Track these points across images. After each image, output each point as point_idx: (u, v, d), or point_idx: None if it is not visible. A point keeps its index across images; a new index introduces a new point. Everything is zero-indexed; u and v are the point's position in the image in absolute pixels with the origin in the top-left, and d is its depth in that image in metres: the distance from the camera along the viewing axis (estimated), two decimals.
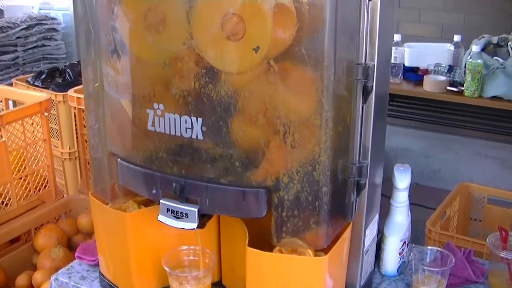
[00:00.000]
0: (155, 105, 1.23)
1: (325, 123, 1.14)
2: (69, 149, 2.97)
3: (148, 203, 1.46)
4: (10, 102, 2.69)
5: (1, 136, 2.30)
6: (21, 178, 2.39)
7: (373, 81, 1.24)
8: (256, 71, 1.14)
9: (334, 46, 1.12)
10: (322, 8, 1.09)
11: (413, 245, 1.67)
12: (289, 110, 1.14)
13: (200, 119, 1.19)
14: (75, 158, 3.01)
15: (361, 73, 1.23)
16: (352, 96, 1.24)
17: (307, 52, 1.12)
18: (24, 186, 2.40)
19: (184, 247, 1.44)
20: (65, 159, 2.99)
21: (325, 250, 1.25)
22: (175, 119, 1.21)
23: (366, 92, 1.25)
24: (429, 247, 1.54)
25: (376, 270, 1.60)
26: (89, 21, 1.36)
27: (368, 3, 1.22)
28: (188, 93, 1.19)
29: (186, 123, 1.20)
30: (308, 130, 1.15)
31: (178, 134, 1.22)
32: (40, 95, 2.46)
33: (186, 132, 1.21)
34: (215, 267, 1.47)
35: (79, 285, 1.59)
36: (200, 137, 1.20)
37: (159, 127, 1.24)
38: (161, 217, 1.31)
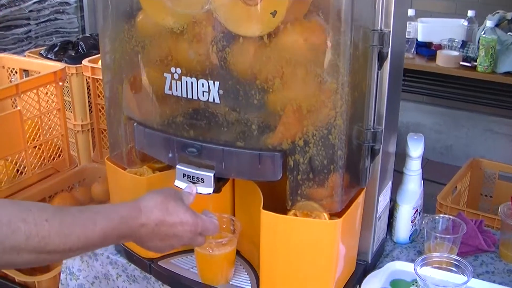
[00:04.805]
0: (173, 69, 1.24)
1: (341, 88, 1.15)
2: (82, 121, 2.98)
3: (162, 169, 1.48)
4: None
5: (16, 105, 2.32)
6: (35, 146, 2.41)
7: (389, 47, 1.25)
8: (273, 35, 1.14)
9: (351, 11, 1.13)
10: None
11: (425, 214, 1.68)
12: (305, 73, 1.15)
13: (217, 83, 1.20)
14: (88, 130, 3.03)
15: (376, 39, 1.23)
16: (367, 62, 1.25)
17: (325, 16, 1.13)
18: (39, 155, 2.43)
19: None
20: (77, 131, 3.01)
21: (339, 214, 1.26)
22: (192, 82, 1.22)
23: (381, 58, 1.26)
24: (442, 215, 1.55)
25: (388, 237, 1.62)
26: None
27: None
28: (205, 57, 1.20)
29: (203, 86, 1.21)
30: (324, 94, 1.16)
31: (195, 97, 1.23)
32: (55, 64, 2.48)
33: (203, 95, 1.22)
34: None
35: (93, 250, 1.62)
36: (217, 100, 1.21)
37: (176, 90, 1.25)
38: (177, 182, 1.32)
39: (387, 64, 1.29)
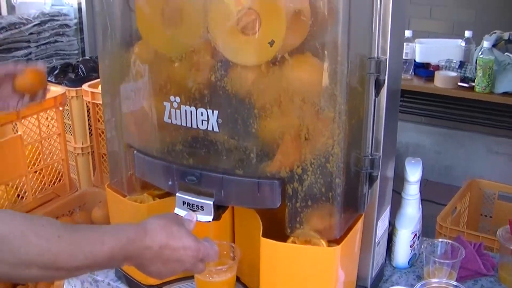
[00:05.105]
0: (172, 98, 1.25)
1: (338, 116, 1.16)
2: (82, 144, 3.00)
3: (162, 196, 1.49)
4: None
5: (17, 130, 2.33)
6: (36, 171, 2.42)
7: (385, 74, 1.26)
8: (271, 64, 1.16)
9: (347, 40, 1.14)
10: (336, 3, 1.12)
11: (424, 238, 1.69)
12: (303, 102, 1.16)
13: (216, 112, 1.21)
14: (88, 153, 3.04)
15: (373, 67, 1.25)
16: (364, 89, 1.26)
17: (321, 46, 1.15)
18: (39, 180, 2.43)
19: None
20: (78, 154, 3.02)
21: (338, 241, 1.27)
22: (191, 111, 1.23)
23: (378, 86, 1.27)
24: (440, 240, 1.56)
25: (387, 262, 1.62)
26: (106, 16, 1.38)
27: None
28: (204, 86, 1.21)
29: (202, 115, 1.22)
30: (322, 122, 1.17)
31: (194, 126, 1.24)
32: (55, 89, 2.49)
33: (202, 124, 1.23)
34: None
35: (94, 275, 1.62)
36: (216, 129, 1.22)
37: (176, 119, 1.26)
38: (177, 210, 1.33)
39: (384, 91, 1.30)
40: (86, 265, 1.07)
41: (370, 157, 1.30)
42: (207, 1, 1.19)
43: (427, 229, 1.69)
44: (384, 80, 1.27)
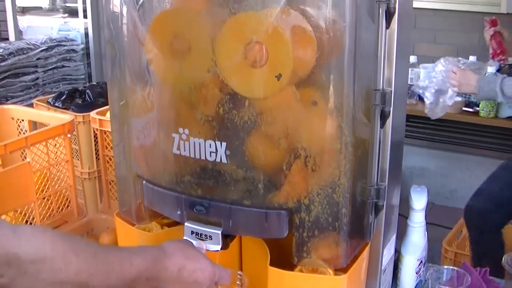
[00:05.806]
0: (180, 130, 1.27)
1: (344, 148, 1.18)
2: (89, 169, 3.01)
3: (170, 225, 1.51)
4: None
5: (26, 157, 2.35)
6: (44, 198, 2.43)
7: (391, 106, 1.28)
8: (278, 97, 1.18)
9: (353, 73, 1.16)
10: (342, 37, 1.14)
11: (430, 264, 1.70)
12: (310, 134, 1.19)
13: (224, 143, 1.23)
14: (95, 177, 3.05)
15: (379, 99, 1.27)
16: (370, 120, 1.28)
17: (328, 79, 1.17)
18: (48, 206, 2.44)
19: None
20: (84, 178, 3.03)
21: (344, 269, 1.28)
22: (200, 143, 1.25)
23: (383, 117, 1.29)
24: (446, 267, 1.57)
25: None
26: (115, 45, 1.40)
27: (386, 31, 1.26)
28: (213, 118, 1.24)
29: (210, 147, 1.24)
30: (328, 154, 1.19)
31: (202, 157, 1.26)
32: (63, 117, 2.51)
33: (210, 156, 1.25)
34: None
35: None
36: (224, 160, 1.24)
37: (184, 151, 1.28)
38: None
39: (389, 121, 1.32)
40: (115, 286, 1.07)
41: (376, 187, 1.31)
42: (215, 34, 1.21)
43: (433, 253, 1.70)
44: (390, 111, 1.29)
